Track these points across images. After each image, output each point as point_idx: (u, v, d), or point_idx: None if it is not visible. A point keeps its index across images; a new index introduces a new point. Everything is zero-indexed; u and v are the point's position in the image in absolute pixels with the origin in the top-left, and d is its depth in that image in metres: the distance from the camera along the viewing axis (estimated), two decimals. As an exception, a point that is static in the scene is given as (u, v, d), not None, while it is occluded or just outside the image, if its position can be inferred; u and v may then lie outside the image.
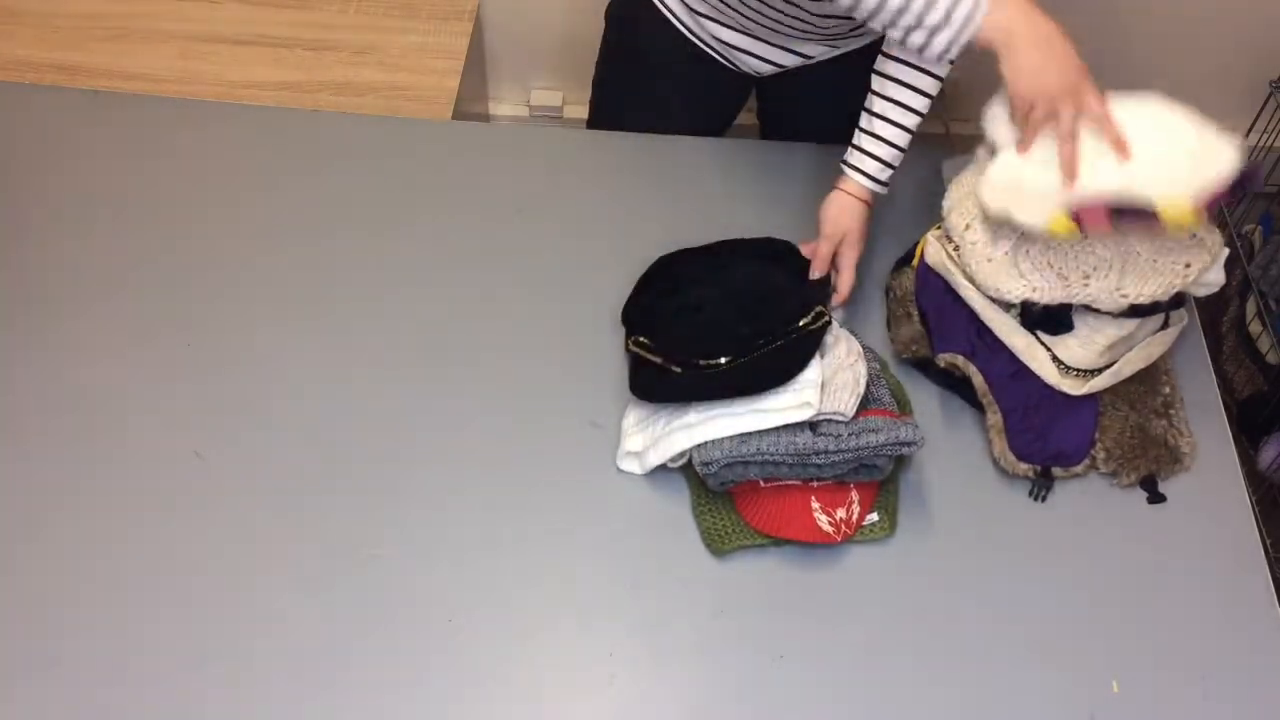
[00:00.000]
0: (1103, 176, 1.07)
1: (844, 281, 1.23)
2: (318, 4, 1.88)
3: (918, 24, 1.07)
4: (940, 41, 1.07)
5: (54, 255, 1.30)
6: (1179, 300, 1.18)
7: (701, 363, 1.14)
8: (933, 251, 1.23)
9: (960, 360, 1.18)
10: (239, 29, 1.83)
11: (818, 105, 1.45)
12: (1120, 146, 1.06)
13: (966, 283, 1.18)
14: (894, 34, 1.10)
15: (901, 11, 1.07)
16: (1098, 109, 1.07)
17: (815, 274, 1.23)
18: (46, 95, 1.49)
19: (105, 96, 1.47)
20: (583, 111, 2.13)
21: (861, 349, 1.18)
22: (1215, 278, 1.16)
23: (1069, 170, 1.07)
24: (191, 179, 1.37)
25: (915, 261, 1.26)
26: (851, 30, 1.32)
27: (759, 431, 1.08)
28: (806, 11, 1.26)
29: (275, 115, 1.47)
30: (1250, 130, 1.99)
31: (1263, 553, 1.13)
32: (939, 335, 1.20)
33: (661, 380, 1.15)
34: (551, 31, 2.06)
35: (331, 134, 1.43)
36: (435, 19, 1.89)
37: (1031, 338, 1.16)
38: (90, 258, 1.30)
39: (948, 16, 1.05)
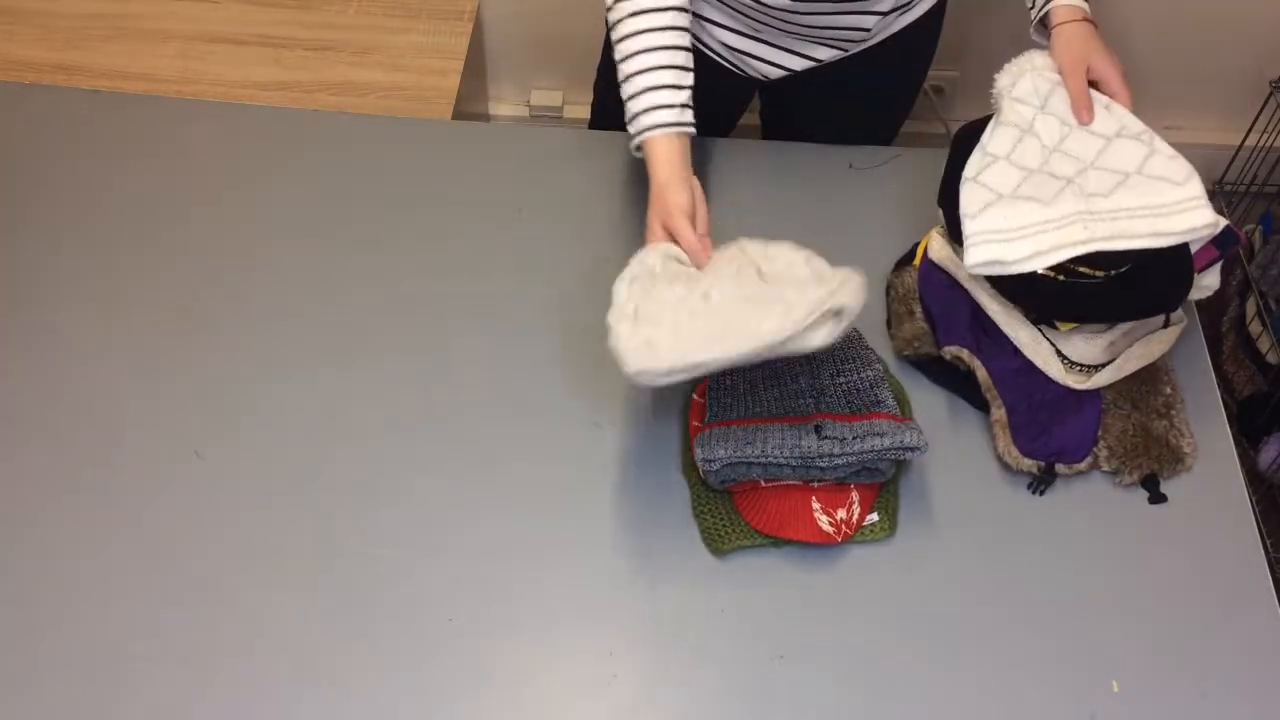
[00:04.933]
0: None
1: (1125, 97, 1.16)
2: (318, 4, 1.88)
3: None
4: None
5: (54, 255, 1.30)
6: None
7: (1082, 269, 1.09)
8: (937, 247, 1.23)
9: (965, 354, 1.18)
10: (239, 29, 1.83)
11: (823, 108, 1.45)
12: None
13: (971, 277, 1.18)
14: None
15: None
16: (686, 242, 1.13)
17: (1084, 118, 1.15)
18: (46, 95, 1.49)
19: (105, 96, 1.47)
20: (582, 111, 2.14)
21: (868, 349, 1.18)
22: (1211, 281, 1.17)
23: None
24: (191, 179, 1.37)
25: (917, 260, 1.26)
26: (858, 35, 1.32)
27: (763, 433, 1.08)
28: (815, 14, 1.27)
29: (275, 115, 1.47)
30: (1250, 130, 2.00)
31: (1263, 553, 1.13)
32: (943, 330, 1.20)
33: (1032, 288, 1.11)
34: (551, 31, 2.06)
35: (331, 134, 1.43)
36: (435, 19, 1.89)
37: (1036, 332, 1.17)
38: (90, 257, 1.30)
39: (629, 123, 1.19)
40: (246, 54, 1.80)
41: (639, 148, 1.18)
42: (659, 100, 1.16)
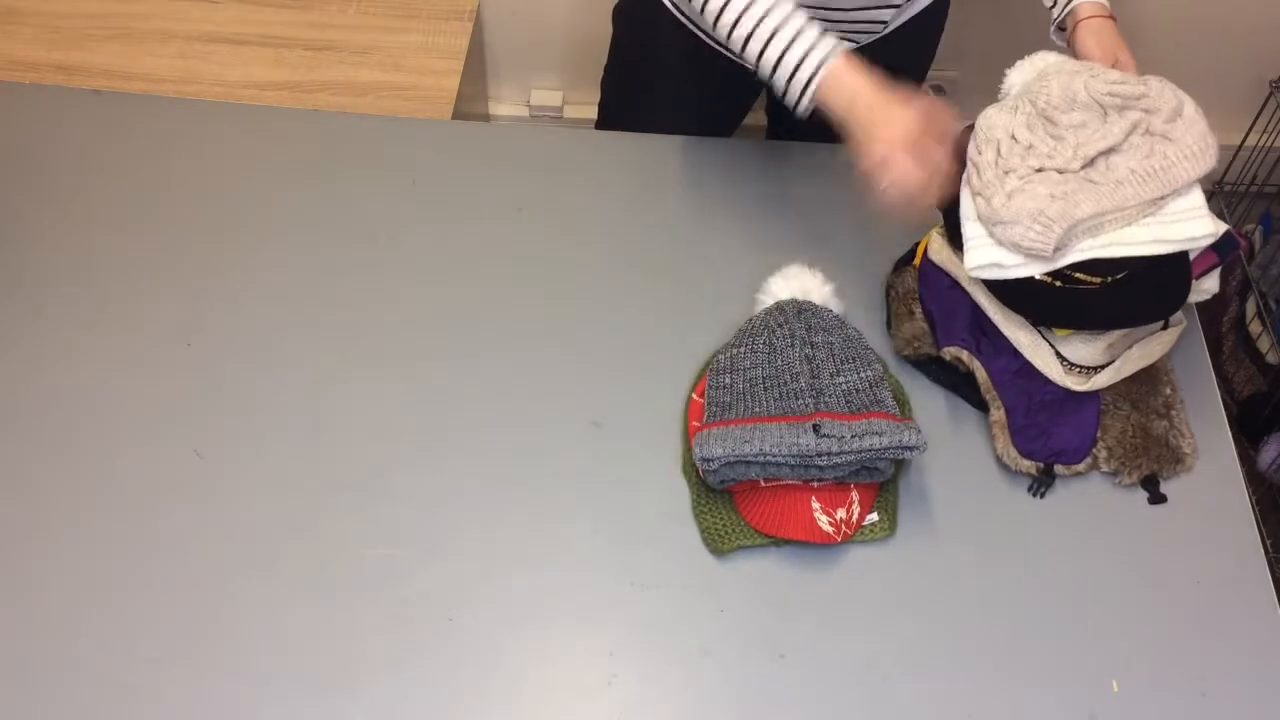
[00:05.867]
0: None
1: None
2: (318, 4, 1.88)
3: (770, 73, 1.10)
4: (792, 91, 1.09)
5: (54, 255, 1.30)
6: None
7: (1079, 276, 1.09)
8: (936, 247, 1.23)
9: (965, 355, 1.18)
10: (239, 29, 1.83)
11: None
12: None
13: (971, 279, 1.18)
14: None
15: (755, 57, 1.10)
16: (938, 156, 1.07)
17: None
18: (47, 95, 1.49)
19: (106, 97, 1.47)
20: (582, 111, 2.14)
21: (868, 349, 1.18)
22: (1210, 285, 1.17)
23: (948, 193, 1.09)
24: (191, 179, 1.37)
25: (917, 260, 1.26)
26: (874, 28, 1.32)
27: (761, 432, 1.08)
28: (832, 10, 1.27)
29: (275, 115, 1.47)
30: (1250, 130, 2.00)
31: (1263, 553, 1.13)
32: (943, 330, 1.20)
33: (1029, 292, 1.11)
34: (551, 31, 2.06)
35: (331, 134, 1.43)
36: (435, 19, 1.89)
37: (1036, 334, 1.17)
38: (90, 257, 1.30)
39: (791, 74, 1.09)
40: (246, 54, 1.80)
41: (812, 91, 1.09)
42: (817, 30, 1.09)
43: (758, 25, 1.09)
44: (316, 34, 1.84)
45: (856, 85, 1.06)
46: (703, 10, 1.12)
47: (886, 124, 1.05)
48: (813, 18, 1.28)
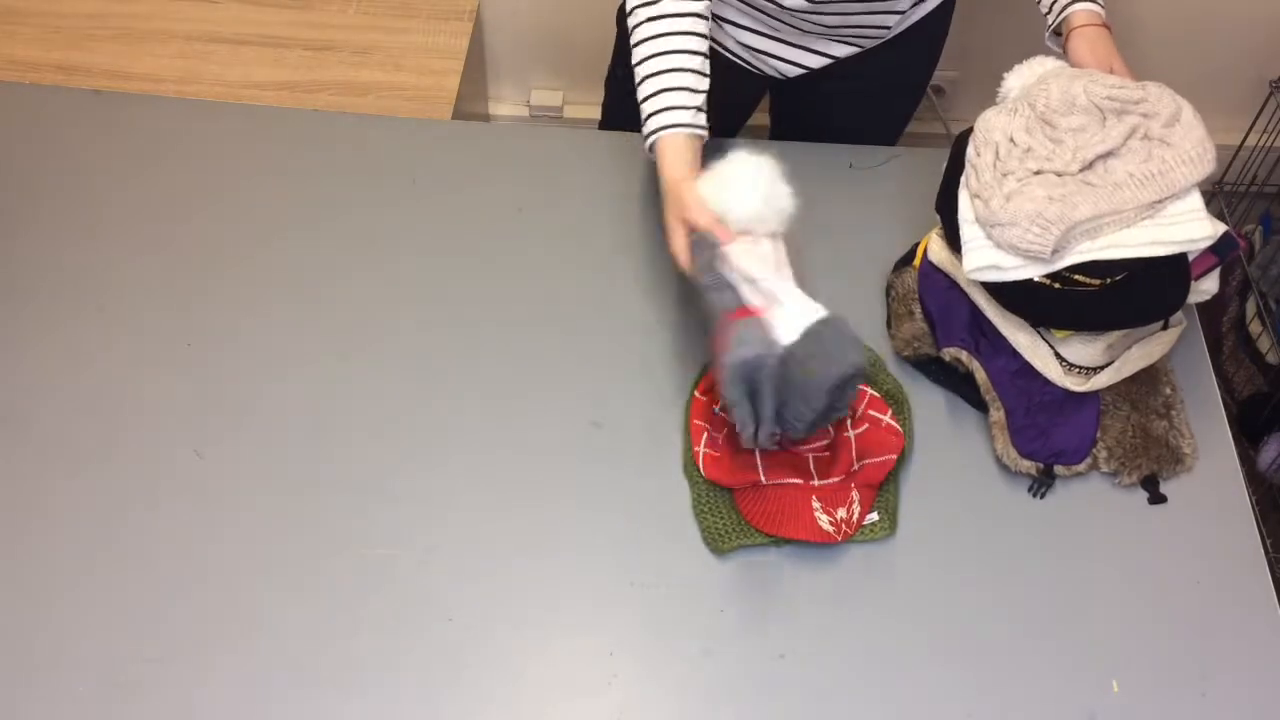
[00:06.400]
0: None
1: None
2: (318, 4, 1.88)
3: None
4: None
5: (54, 254, 1.30)
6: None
7: (1078, 278, 1.09)
8: (936, 248, 1.23)
9: (964, 355, 1.18)
10: (239, 29, 1.83)
11: (835, 104, 1.45)
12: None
13: (970, 280, 1.18)
14: None
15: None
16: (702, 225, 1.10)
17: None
18: (47, 95, 1.49)
19: (106, 96, 1.47)
20: (582, 111, 2.14)
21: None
22: (1209, 285, 1.17)
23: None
24: (192, 179, 1.37)
25: (917, 261, 1.26)
26: (878, 33, 1.32)
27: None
28: (834, 14, 1.27)
29: (275, 115, 1.47)
30: (1250, 130, 2.00)
31: (1263, 553, 1.13)
32: (943, 331, 1.20)
33: (1028, 294, 1.11)
34: (551, 31, 2.06)
35: (331, 134, 1.43)
36: (435, 19, 1.89)
37: (1035, 335, 1.17)
38: (90, 257, 1.30)
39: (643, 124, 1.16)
40: (246, 54, 1.80)
41: (651, 149, 1.16)
42: (674, 101, 1.14)
43: (635, 67, 1.16)
44: (316, 34, 1.84)
45: (667, 162, 1.14)
46: (628, 27, 1.18)
47: (673, 204, 1.13)
48: (816, 21, 1.29)
